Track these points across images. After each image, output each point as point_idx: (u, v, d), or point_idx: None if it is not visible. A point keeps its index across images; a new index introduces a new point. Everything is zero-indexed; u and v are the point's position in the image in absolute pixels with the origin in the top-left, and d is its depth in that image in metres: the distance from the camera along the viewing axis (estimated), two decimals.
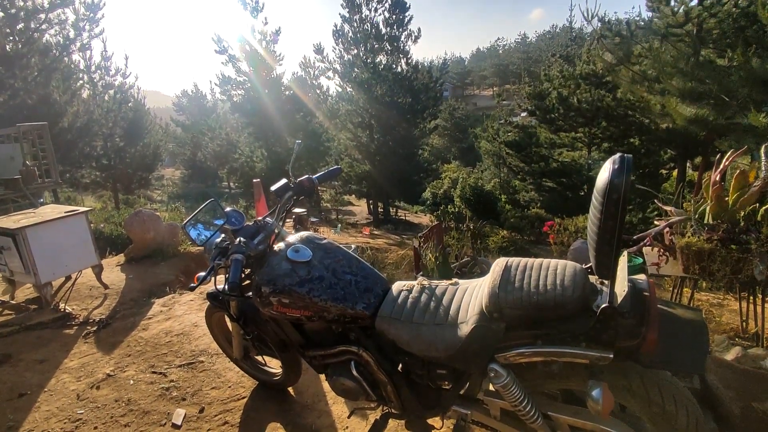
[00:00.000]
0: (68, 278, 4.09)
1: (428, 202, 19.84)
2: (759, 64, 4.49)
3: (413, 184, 16.68)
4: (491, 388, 1.48)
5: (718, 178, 2.22)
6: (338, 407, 2.28)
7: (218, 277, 1.78)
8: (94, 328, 3.32)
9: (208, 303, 2.27)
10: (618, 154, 1.08)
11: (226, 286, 1.54)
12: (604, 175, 1.09)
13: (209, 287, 2.16)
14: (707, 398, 1.86)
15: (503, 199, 14.76)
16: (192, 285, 1.55)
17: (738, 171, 2.22)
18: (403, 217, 18.28)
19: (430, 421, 1.74)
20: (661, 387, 1.29)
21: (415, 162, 16.59)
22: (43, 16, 9.70)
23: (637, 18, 9.40)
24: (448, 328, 1.45)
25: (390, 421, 1.79)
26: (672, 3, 7.88)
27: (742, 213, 2.08)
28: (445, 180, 19.93)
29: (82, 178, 14.29)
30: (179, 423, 2.23)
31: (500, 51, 73.61)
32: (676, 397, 1.29)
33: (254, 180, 3.43)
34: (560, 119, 12.12)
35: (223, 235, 1.80)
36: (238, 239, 1.66)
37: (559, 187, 12.50)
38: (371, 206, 17.91)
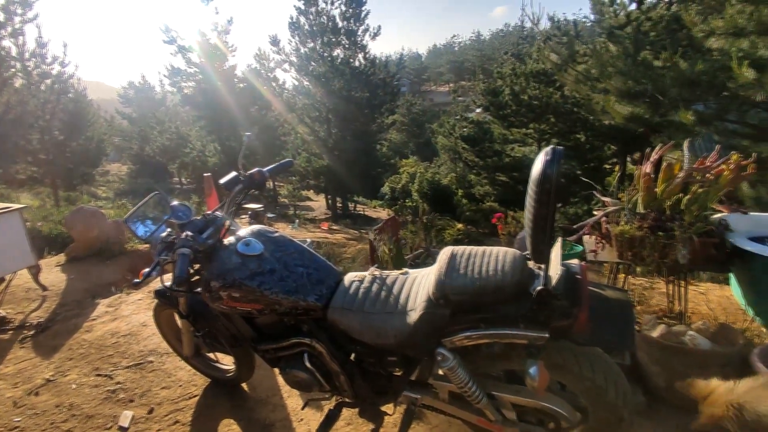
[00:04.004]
0: (2, 280, 3.82)
1: (387, 196, 19.91)
2: (687, 65, 4.85)
3: (372, 178, 16.70)
4: (440, 372, 1.54)
5: (648, 171, 2.39)
6: (293, 400, 2.29)
7: (167, 275, 1.74)
8: (32, 332, 3.13)
9: (156, 301, 2.20)
10: (550, 147, 1.15)
11: (173, 282, 1.51)
12: (537, 166, 1.15)
13: (157, 284, 2.09)
14: (637, 373, 2.02)
15: (459, 193, 15.09)
16: (136, 281, 1.50)
17: (665, 164, 2.41)
18: (362, 212, 18.28)
19: (382, 408, 1.78)
20: (593, 363, 1.40)
21: (374, 157, 16.61)
22: None
23: (584, 19, 9.89)
24: (398, 316, 1.49)
25: (344, 410, 1.82)
26: (614, 6, 8.35)
27: (668, 202, 2.25)
28: (403, 175, 20.04)
29: (16, 174, 13.26)
30: (126, 425, 2.16)
31: (456, 48, 74.73)
32: (606, 372, 1.40)
33: (205, 174, 3.34)
34: (512, 115, 12.50)
35: (169, 230, 1.75)
36: (184, 233, 1.62)
37: (512, 181, 12.92)
38: (330, 201, 17.78)
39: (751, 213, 2.39)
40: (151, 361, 2.71)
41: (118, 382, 2.51)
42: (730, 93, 4.80)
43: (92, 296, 3.91)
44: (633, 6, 7.90)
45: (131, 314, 3.36)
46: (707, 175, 2.23)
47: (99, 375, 2.59)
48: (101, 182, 22.27)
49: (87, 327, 3.20)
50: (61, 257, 4.84)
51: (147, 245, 4.90)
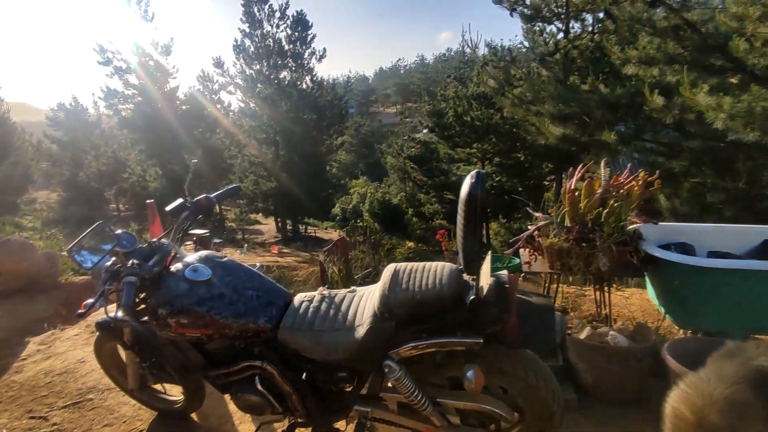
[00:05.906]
0: None
1: (338, 217, 19.95)
2: (608, 90, 5.37)
3: (322, 200, 16.70)
4: (389, 384, 1.62)
5: (572, 187, 2.64)
6: (245, 426, 2.26)
7: (111, 305, 1.71)
8: None
9: (97, 334, 2.13)
10: (475, 170, 1.30)
11: (119, 312, 1.50)
12: (464, 188, 1.29)
13: (98, 317, 2.03)
14: (568, 372, 2.20)
15: (410, 212, 15.43)
16: (80, 312, 1.47)
17: (586, 181, 2.67)
18: (313, 234, 18.15)
19: (335, 425, 1.82)
20: (525, 364, 1.53)
21: (324, 178, 16.66)
22: None
23: (520, 45, 10.65)
24: (346, 332, 1.56)
25: (297, 430, 1.84)
26: (544, 35, 9.09)
27: (590, 216, 2.50)
28: (353, 195, 20.24)
29: None
30: None
31: (402, 71, 77.02)
32: (537, 372, 1.55)
33: (147, 201, 3.26)
34: (457, 136, 13.07)
35: (114, 259, 1.73)
36: (130, 261, 1.61)
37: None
38: (279, 224, 17.53)
39: (661, 223, 2.70)
40: (91, 399, 2.57)
41: (55, 424, 2.36)
42: (645, 115, 5.35)
43: (21, 334, 3.64)
44: (561, 35, 8.66)
45: (67, 351, 3.17)
46: (621, 190, 2.50)
47: (32, 417, 2.42)
48: (27, 211, 20.58)
49: (16, 367, 2.98)
50: None
51: (84, 278, 4.66)
